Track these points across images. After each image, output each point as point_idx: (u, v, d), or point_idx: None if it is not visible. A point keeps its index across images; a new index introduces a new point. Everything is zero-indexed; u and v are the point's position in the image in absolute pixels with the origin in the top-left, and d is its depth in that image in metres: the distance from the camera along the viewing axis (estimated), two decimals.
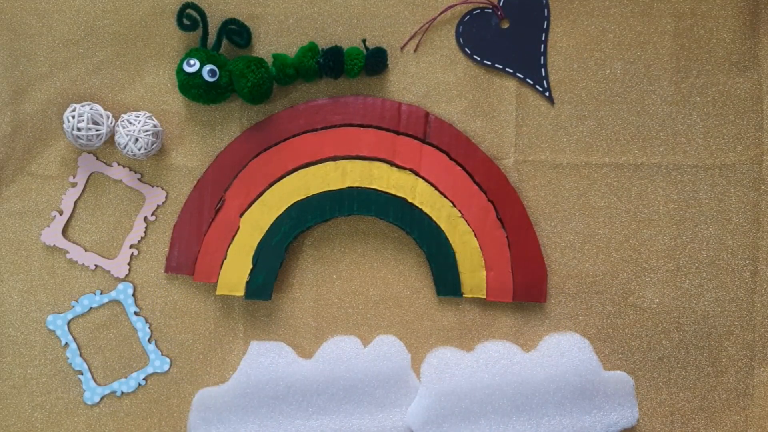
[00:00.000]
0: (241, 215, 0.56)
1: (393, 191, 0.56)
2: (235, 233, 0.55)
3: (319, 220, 0.56)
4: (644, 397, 0.58)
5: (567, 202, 0.57)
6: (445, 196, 0.56)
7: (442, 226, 0.56)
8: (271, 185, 0.56)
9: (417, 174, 0.56)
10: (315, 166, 0.56)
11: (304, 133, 0.56)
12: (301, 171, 0.56)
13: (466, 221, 0.56)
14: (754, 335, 0.58)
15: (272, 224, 0.55)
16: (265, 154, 0.56)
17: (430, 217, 0.56)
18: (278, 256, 0.55)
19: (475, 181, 0.56)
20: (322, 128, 0.56)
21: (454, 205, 0.56)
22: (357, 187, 0.56)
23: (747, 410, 0.58)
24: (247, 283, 0.55)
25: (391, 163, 0.56)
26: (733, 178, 0.57)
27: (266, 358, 0.56)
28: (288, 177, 0.56)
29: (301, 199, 0.55)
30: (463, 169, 0.56)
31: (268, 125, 0.56)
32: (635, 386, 0.57)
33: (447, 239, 0.56)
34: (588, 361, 0.56)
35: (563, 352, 0.56)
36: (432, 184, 0.56)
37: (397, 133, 0.56)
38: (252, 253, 0.55)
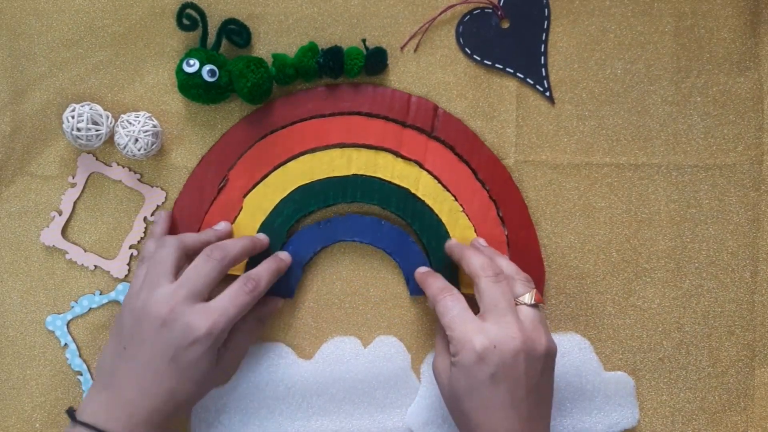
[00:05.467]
0: (245, 196, 0.55)
1: (397, 181, 0.56)
2: (238, 213, 0.55)
3: (322, 206, 0.56)
4: (645, 398, 0.58)
5: (567, 202, 0.57)
6: (448, 190, 0.56)
7: (443, 219, 0.56)
8: (276, 168, 0.55)
9: (422, 166, 0.56)
10: (321, 152, 0.55)
11: (312, 118, 0.55)
12: (307, 156, 0.55)
13: (468, 216, 0.56)
14: (755, 335, 0.58)
15: (275, 207, 0.55)
16: (271, 137, 0.55)
17: (431, 209, 0.56)
18: (280, 238, 0.55)
19: (478, 178, 0.56)
20: (330, 114, 0.56)
21: (456, 200, 0.56)
22: (361, 175, 0.55)
23: (747, 411, 0.58)
24: (248, 265, 0.55)
25: (397, 154, 0.56)
26: (733, 178, 0.57)
27: (266, 359, 0.56)
28: (293, 161, 0.55)
29: (306, 184, 0.55)
30: (468, 165, 0.56)
31: (277, 108, 0.55)
32: (636, 387, 0.57)
33: (447, 232, 0.56)
34: (588, 362, 0.56)
35: (563, 352, 0.56)
36: (436, 178, 0.56)
37: (405, 125, 0.56)
38: (254, 234, 0.55)
